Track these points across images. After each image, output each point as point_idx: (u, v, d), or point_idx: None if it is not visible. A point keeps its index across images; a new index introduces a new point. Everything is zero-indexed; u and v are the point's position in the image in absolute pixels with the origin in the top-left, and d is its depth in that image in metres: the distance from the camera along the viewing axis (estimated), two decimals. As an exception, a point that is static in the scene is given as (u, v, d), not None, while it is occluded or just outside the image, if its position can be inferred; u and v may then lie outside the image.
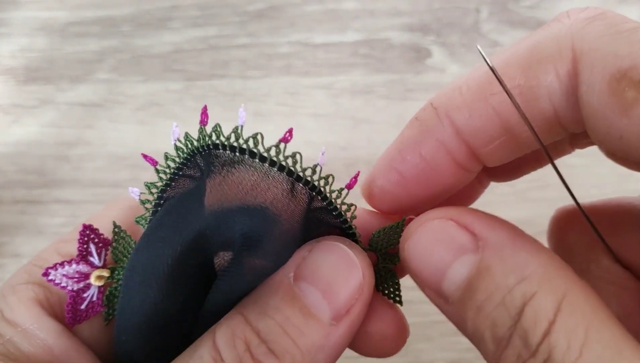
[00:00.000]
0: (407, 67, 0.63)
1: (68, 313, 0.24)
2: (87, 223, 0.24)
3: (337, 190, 0.25)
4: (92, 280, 0.24)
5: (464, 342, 0.23)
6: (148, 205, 0.25)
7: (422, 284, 0.23)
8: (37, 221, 0.56)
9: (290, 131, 0.22)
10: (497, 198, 0.46)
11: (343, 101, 0.61)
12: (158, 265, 0.23)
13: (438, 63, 0.63)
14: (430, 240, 0.23)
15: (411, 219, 0.25)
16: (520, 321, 0.20)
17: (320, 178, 0.24)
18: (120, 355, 0.24)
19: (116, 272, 0.25)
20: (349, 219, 0.25)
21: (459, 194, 0.27)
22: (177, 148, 0.24)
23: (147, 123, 0.60)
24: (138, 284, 0.23)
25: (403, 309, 0.27)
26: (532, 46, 0.22)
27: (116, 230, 0.25)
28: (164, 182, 0.25)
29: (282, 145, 0.23)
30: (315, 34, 0.65)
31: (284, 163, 0.23)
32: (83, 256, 0.24)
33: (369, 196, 0.26)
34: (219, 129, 0.23)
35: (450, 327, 0.23)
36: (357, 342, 0.25)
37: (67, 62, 0.65)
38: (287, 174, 0.23)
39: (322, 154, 0.24)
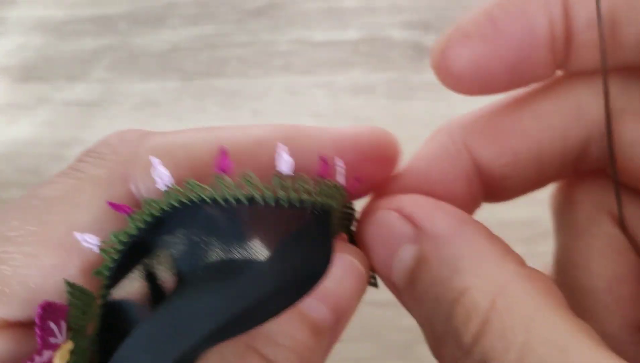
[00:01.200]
0: (408, 65, 0.62)
1: None
2: (43, 303, 0.20)
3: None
4: (58, 360, 0.20)
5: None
6: (112, 253, 0.21)
7: (378, 274, 0.23)
8: (32, 221, 0.56)
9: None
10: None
11: (343, 100, 0.60)
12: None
13: (440, 61, 0.62)
14: (376, 231, 0.22)
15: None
16: (452, 319, 0.18)
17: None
18: None
19: (74, 338, 0.21)
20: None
21: None
22: (169, 194, 0.20)
23: (144, 122, 0.60)
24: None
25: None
26: None
27: (70, 290, 0.21)
28: (139, 228, 0.21)
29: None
30: (315, 32, 0.64)
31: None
32: (45, 341, 0.20)
33: (448, 47, 0.24)
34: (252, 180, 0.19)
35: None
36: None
37: (63, 61, 0.64)
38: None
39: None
